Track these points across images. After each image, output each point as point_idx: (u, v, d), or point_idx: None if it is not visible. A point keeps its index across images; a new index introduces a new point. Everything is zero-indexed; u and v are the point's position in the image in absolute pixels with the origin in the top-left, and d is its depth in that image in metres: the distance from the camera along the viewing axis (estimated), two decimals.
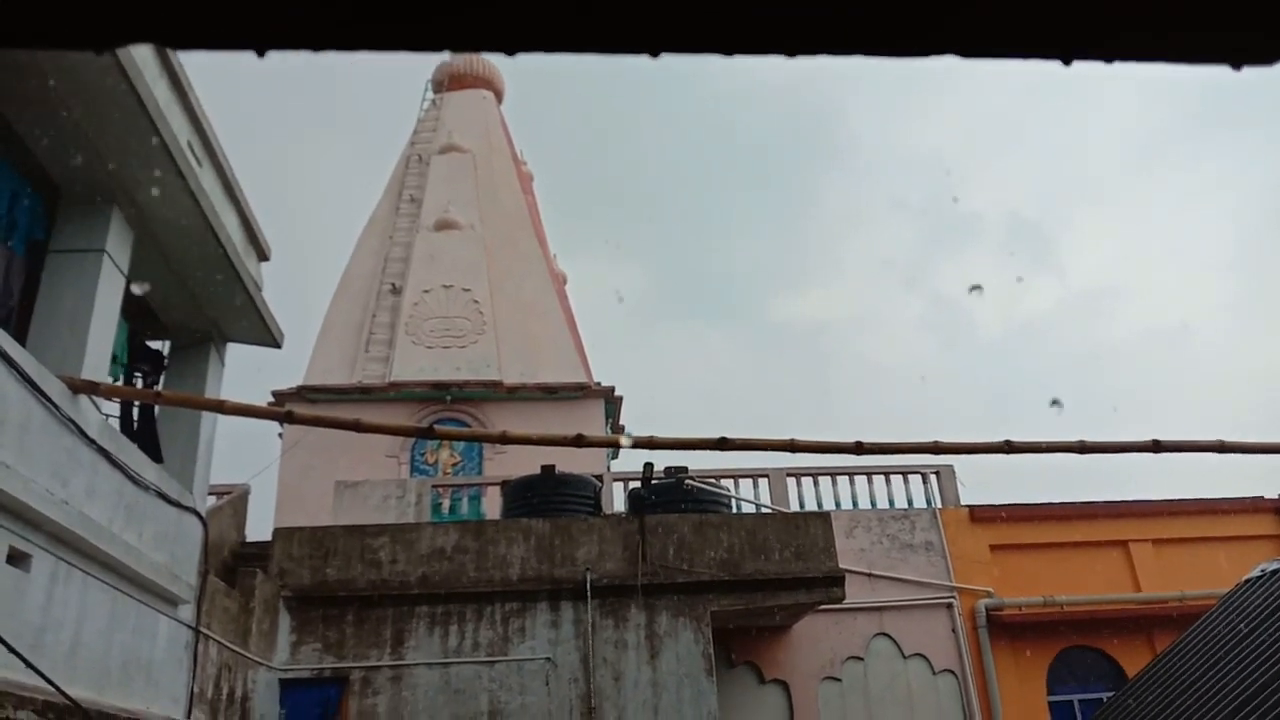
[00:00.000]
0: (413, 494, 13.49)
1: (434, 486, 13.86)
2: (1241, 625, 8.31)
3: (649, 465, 11.47)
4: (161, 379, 8.03)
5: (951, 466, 14.64)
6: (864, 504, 14.32)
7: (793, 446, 5.47)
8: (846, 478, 14.44)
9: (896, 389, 61.77)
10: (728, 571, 10.73)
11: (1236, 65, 0.76)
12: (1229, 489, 15.29)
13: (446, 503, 13.69)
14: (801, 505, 13.96)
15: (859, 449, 5.49)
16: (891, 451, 5.58)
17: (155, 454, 7.41)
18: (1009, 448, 5.59)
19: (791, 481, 14.12)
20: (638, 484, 12.30)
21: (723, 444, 5.45)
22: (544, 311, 19.74)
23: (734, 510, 12.87)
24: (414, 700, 9.54)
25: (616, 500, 13.67)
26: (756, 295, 71.73)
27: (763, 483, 14.01)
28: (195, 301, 7.76)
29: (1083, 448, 5.60)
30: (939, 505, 14.33)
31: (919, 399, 59.36)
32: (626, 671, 10.03)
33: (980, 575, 13.63)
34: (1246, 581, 9.55)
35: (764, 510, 13.28)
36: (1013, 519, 14.24)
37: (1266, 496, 15.07)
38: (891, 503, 14.40)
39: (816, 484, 14.30)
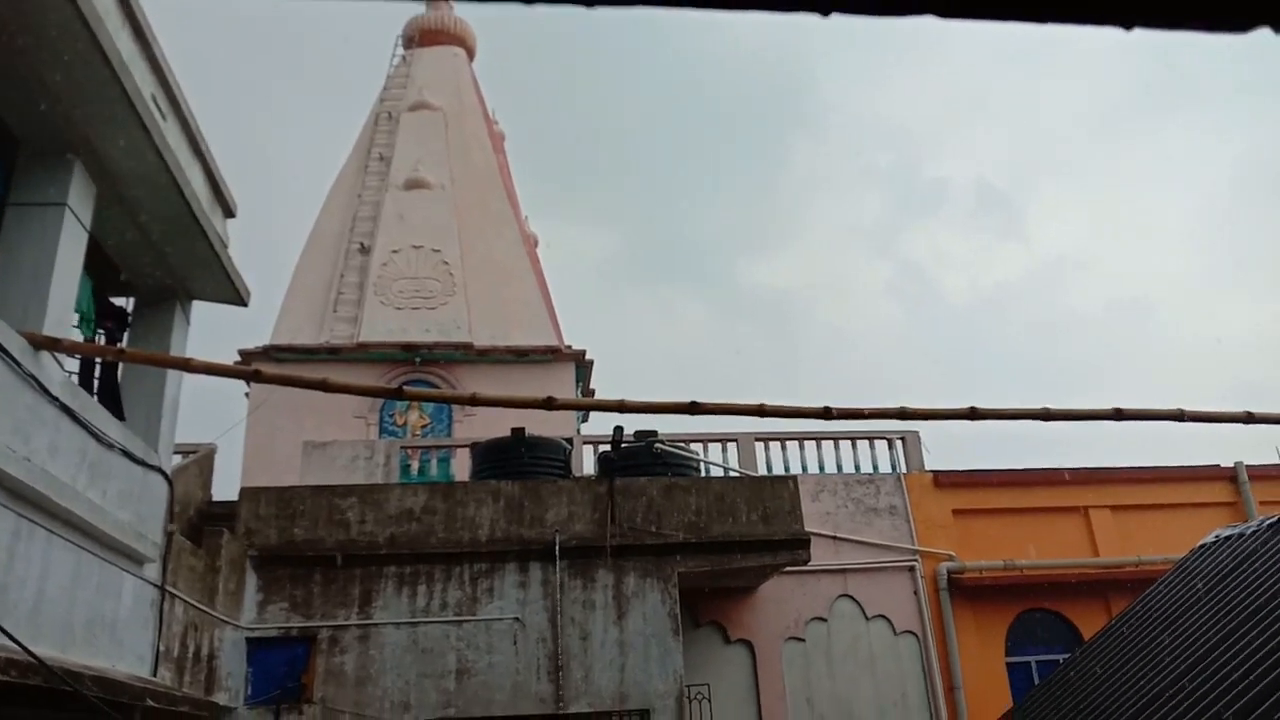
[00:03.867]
0: (381, 455, 13.47)
1: (403, 448, 13.83)
2: (1196, 588, 8.54)
3: (619, 429, 11.52)
4: (125, 336, 7.91)
5: (917, 433, 14.83)
6: (830, 468, 14.48)
7: (761, 411, 5.51)
8: (814, 443, 14.58)
9: (865, 355, 62.28)
10: (695, 534, 10.83)
11: (1211, 29, 0.77)
12: (1187, 458, 15.60)
13: (416, 464, 13.67)
14: (769, 469, 14.09)
15: (827, 414, 5.55)
16: (859, 417, 5.64)
17: (117, 411, 7.32)
18: (974, 414, 5.66)
19: (760, 446, 14.24)
20: (608, 447, 12.34)
21: (693, 408, 5.49)
22: (515, 273, 19.62)
23: (703, 474, 12.96)
24: (381, 659, 9.59)
25: (587, 463, 13.72)
26: (726, 260, 71.79)
27: (731, 447, 14.11)
28: (160, 258, 7.63)
29: (1046, 414, 5.69)
30: (904, 470, 14.52)
31: (887, 365, 59.84)
32: (594, 631, 10.13)
33: (942, 539, 13.88)
34: (1201, 547, 9.80)
35: (732, 474, 13.39)
36: (975, 484, 14.48)
37: (1222, 464, 15.42)
38: (858, 467, 14.58)
39: (784, 449, 14.43)
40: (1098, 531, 14.48)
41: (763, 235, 69.29)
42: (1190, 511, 14.31)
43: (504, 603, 9.99)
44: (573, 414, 17.00)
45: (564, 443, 12.44)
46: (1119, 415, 5.80)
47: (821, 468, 14.50)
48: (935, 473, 14.48)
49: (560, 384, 17.04)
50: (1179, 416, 5.91)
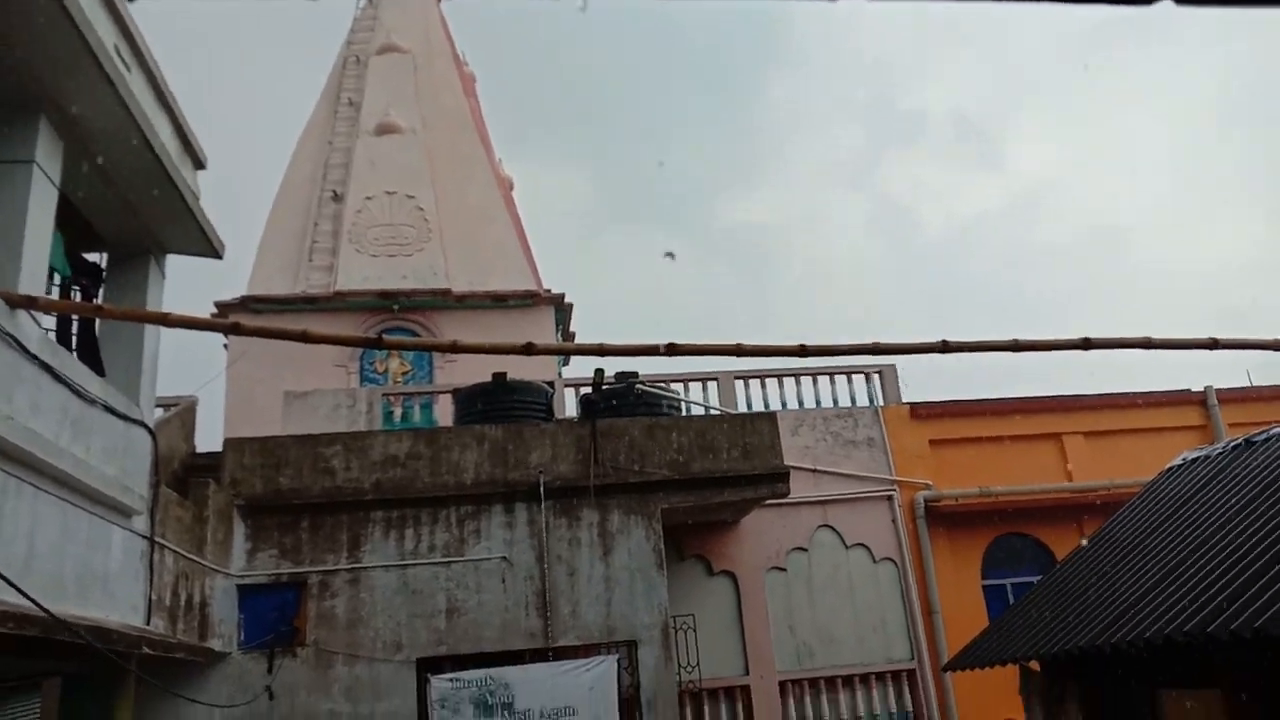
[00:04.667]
0: (363, 403, 13.54)
1: (384, 395, 13.89)
2: (1163, 509, 8.81)
3: (599, 371, 11.62)
4: (101, 292, 7.88)
5: (893, 366, 15.03)
6: (809, 404, 14.69)
7: (739, 351, 5.58)
8: (793, 379, 14.76)
9: (845, 290, 62.47)
10: (678, 471, 11.02)
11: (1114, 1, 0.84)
12: (1160, 384, 15.91)
13: (398, 411, 13.74)
14: (749, 406, 14.28)
15: (802, 351, 5.63)
16: (833, 353, 5.71)
17: (97, 367, 7.33)
18: (945, 347, 5.76)
19: (740, 384, 14.41)
20: (589, 390, 12.46)
21: (671, 350, 5.56)
22: (491, 217, 19.50)
23: (684, 413, 13.12)
24: (372, 601, 9.78)
25: (569, 406, 13.85)
26: (704, 199, 71.38)
27: (712, 386, 14.27)
28: (131, 212, 7.57)
29: (1015, 346, 5.80)
30: (881, 403, 14.75)
31: (867, 300, 60.11)
32: (580, 568, 10.35)
33: (919, 469, 14.17)
34: (1169, 469, 10.08)
35: (713, 412, 13.56)
36: (951, 415, 14.74)
37: (1192, 389, 15.74)
38: (836, 402, 14.79)
39: (764, 385, 14.61)
40: (1071, 457, 14.81)
41: (740, 173, 68.88)
42: (1161, 436, 14.63)
43: (491, 543, 10.18)
44: (554, 358, 17.08)
45: (545, 386, 12.55)
46: (1087, 344, 5.91)
47: (801, 403, 14.70)
48: (912, 405, 14.72)
49: (540, 328, 17.08)
50: (1146, 344, 6.04)
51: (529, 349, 6.23)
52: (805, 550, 13.50)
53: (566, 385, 14.25)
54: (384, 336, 5.57)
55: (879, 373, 14.97)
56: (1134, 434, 14.74)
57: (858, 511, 13.82)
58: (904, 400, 14.81)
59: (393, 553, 10.04)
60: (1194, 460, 9.62)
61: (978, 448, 14.55)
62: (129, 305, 7.81)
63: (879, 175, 69.47)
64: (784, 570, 13.31)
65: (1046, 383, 34.66)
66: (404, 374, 17.55)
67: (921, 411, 14.66)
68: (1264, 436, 8.87)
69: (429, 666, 9.61)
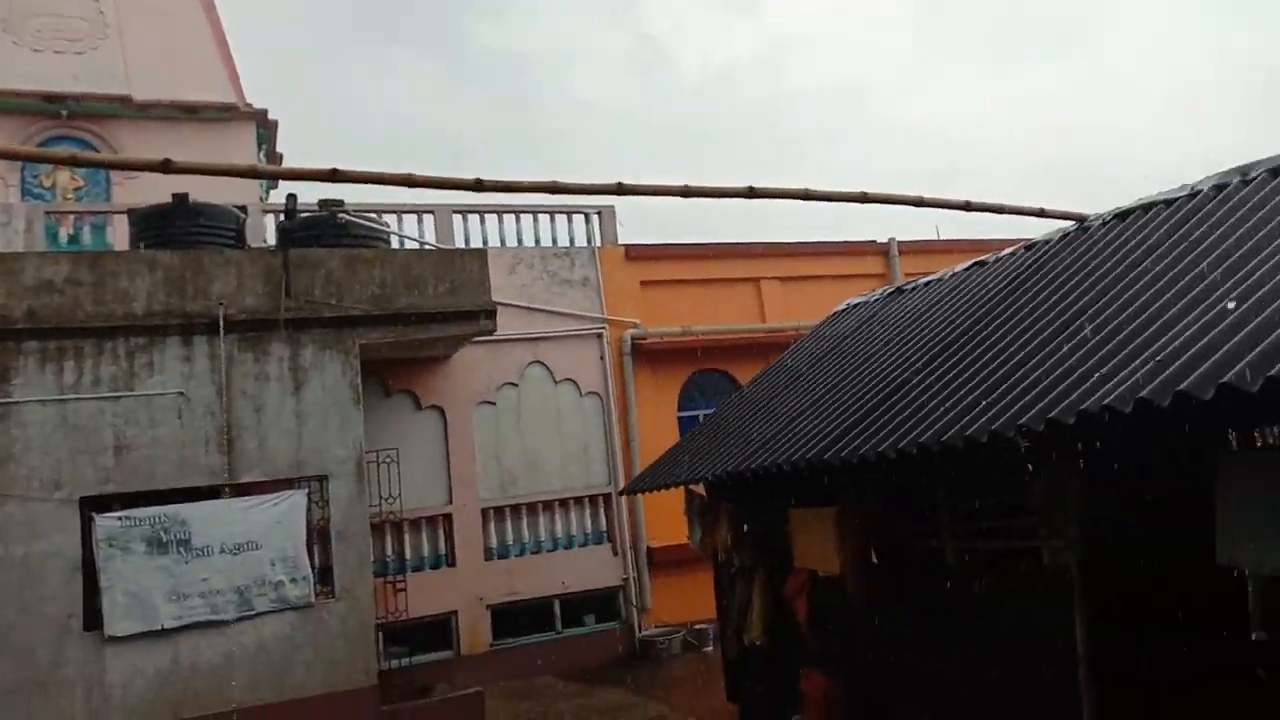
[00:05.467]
0: (21, 220, 12.03)
1: (49, 213, 12.36)
2: (820, 349, 9.71)
3: (292, 197, 10.94)
4: None
5: (612, 207, 15.29)
6: (529, 242, 14.70)
7: (479, 186, 5.37)
8: (513, 216, 14.66)
9: (602, 127, 62.06)
10: (380, 306, 10.74)
11: None
12: (858, 235, 17.26)
13: (66, 231, 12.33)
14: (467, 242, 14.08)
15: (554, 189, 5.52)
16: (572, 192, 5.66)
17: None
18: (686, 192, 5.86)
19: (458, 219, 14.12)
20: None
21: (409, 181, 5.25)
22: (181, 17, 17.29)
23: (394, 245, 12.71)
24: (26, 438, 8.99)
25: (269, 235, 12.99)
26: (455, 19, 67.36)
27: (428, 219, 13.88)
28: None
29: (751, 193, 6.02)
30: (599, 244, 15.03)
31: (625, 139, 60.15)
32: (269, 403, 10.00)
33: (629, 308, 14.73)
34: (834, 313, 11.08)
35: (426, 247, 13.23)
36: (662, 257, 15.32)
37: (878, 240, 17.24)
38: (555, 241, 14.89)
39: (483, 221, 14.41)
40: (767, 300, 15.94)
41: None
42: (848, 282, 15.90)
43: (166, 377, 9.56)
44: (255, 181, 15.84)
45: (237, 211, 11.64)
46: (808, 196, 6.27)
47: (520, 241, 14.68)
48: (627, 246, 15.12)
49: (238, 147, 15.68)
50: (862, 199, 6.48)
51: (254, 172, 5.60)
52: (516, 385, 13.81)
53: (266, 212, 13.33)
54: (57, 149, 4.85)
55: (598, 213, 15.17)
56: (823, 280, 15.97)
57: (568, 348, 14.25)
58: (620, 242, 15.18)
59: (51, 386, 9.20)
60: (855, 305, 10.62)
61: (684, 289, 15.29)
62: None
63: (639, 11, 68.44)
64: (494, 404, 13.59)
65: (759, 231, 36.42)
66: (76, 190, 15.65)
67: (635, 253, 15.11)
68: (912, 285, 9.90)
69: (94, 505, 9.07)
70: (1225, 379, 3.64)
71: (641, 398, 14.51)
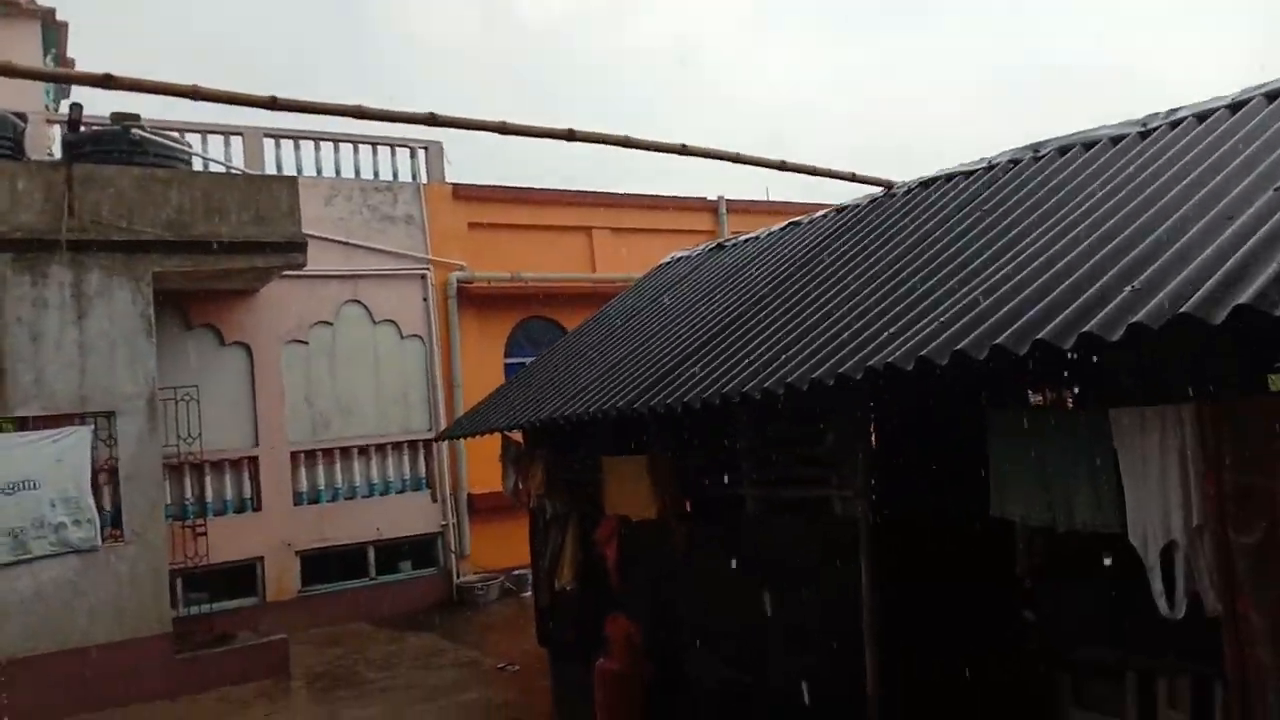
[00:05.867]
0: None
1: None
2: (640, 302, 9.75)
3: (77, 106, 9.95)
4: None
5: (440, 143, 14.76)
6: (348, 173, 13.99)
7: (274, 105, 4.94)
8: (331, 144, 13.90)
9: (439, 65, 59.73)
10: (176, 232, 9.99)
11: None
12: (685, 190, 17.39)
13: None
14: (280, 169, 13.24)
15: (360, 114, 5.16)
16: (380, 118, 5.31)
17: None
18: (503, 129, 5.64)
19: (269, 143, 13.23)
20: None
21: (194, 94, 4.76)
22: None
23: (196, 168, 11.80)
24: None
25: (57, 149, 11.77)
26: None
27: (236, 141, 12.95)
28: None
29: (570, 135, 5.84)
30: (424, 180, 14.50)
31: (463, 78, 58.06)
32: (47, 332, 9.17)
33: (456, 250, 14.33)
34: (658, 266, 11.14)
35: (232, 171, 12.36)
36: (492, 199, 14.95)
37: (708, 197, 17.46)
38: (377, 174, 14.25)
39: (298, 148, 13.59)
40: (598, 250, 15.88)
41: None
42: (677, 236, 16.03)
43: None
44: (38, 86, 14.32)
45: (14, 119, 10.48)
46: (628, 143, 6.18)
47: (338, 171, 13.96)
48: (455, 185, 14.66)
49: (19, 47, 14.01)
50: (682, 151, 6.44)
51: (14, 71, 4.85)
52: (330, 324, 13.22)
53: (52, 122, 12.10)
54: None
55: (425, 148, 14.61)
56: (654, 233, 16.04)
57: (389, 288, 13.73)
58: (448, 180, 14.69)
59: None
60: (679, 259, 10.70)
61: (514, 234, 15.00)
62: None
63: None
64: (305, 344, 12.96)
65: (589, 180, 36.16)
66: None
67: (463, 193, 14.67)
68: (733, 242, 10.06)
69: None
70: (998, 340, 3.85)
71: (467, 343, 14.21)
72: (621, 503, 7.45)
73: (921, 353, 4.09)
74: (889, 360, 4.22)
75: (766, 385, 4.96)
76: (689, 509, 7.04)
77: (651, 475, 7.11)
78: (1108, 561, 4.29)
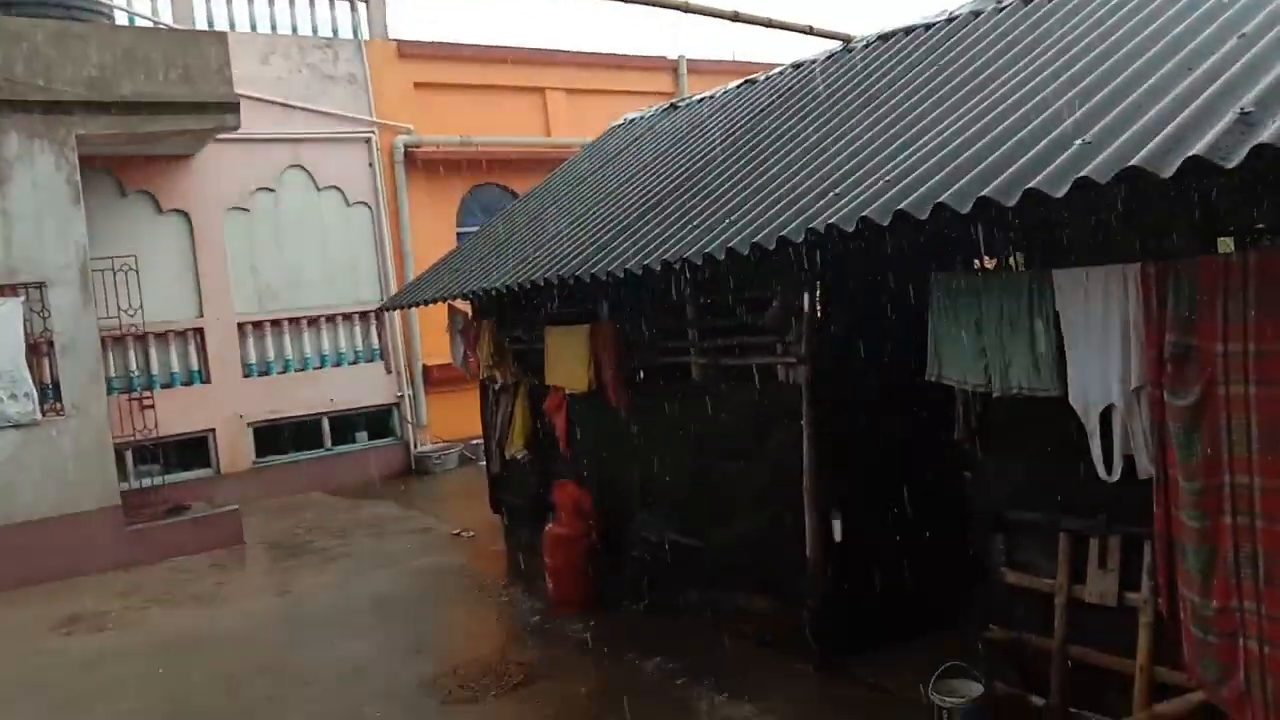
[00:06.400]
0: None
1: None
2: (594, 164, 9.42)
3: None
4: None
5: None
6: (284, 28, 13.19)
7: None
8: None
9: None
10: (98, 92, 9.40)
11: None
12: (640, 49, 16.70)
13: None
14: (211, 24, 12.45)
15: None
16: None
17: None
18: None
19: None
20: None
21: None
22: None
23: (115, 22, 11.05)
24: None
25: None
26: None
27: None
28: None
29: None
30: (366, 37, 13.73)
31: None
32: None
33: (402, 112, 13.72)
34: (611, 128, 10.73)
35: (158, 26, 11.60)
36: (440, 57, 14.24)
37: (668, 56, 16.78)
38: (315, 30, 13.45)
39: (230, 1, 12.72)
40: (552, 113, 15.29)
41: None
42: (635, 98, 15.39)
43: None
44: None
45: None
46: None
47: (274, 26, 13.15)
48: (400, 42, 13.92)
49: None
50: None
51: None
52: (273, 191, 12.71)
53: None
54: None
55: (366, 1, 13.77)
56: (610, 94, 15.39)
57: (333, 152, 13.18)
58: (391, 36, 13.94)
59: None
60: (631, 120, 10.31)
61: (463, 94, 14.35)
62: None
63: None
64: (247, 211, 12.48)
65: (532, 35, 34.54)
66: None
67: (409, 50, 13.94)
68: (686, 102, 9.67)
69: None
70: (942, 199, 3.68)
71: (416, 210, 13.77)
72: (560, 374, 7.36)
73: (864, 213, 3.92)
74: (830, 221, 4.05)
75: (708, 250, 4.79)
76: (640, 377, 6.95)
77: (591, 346, 7.00)
78: (1045, 425, 4.27)
